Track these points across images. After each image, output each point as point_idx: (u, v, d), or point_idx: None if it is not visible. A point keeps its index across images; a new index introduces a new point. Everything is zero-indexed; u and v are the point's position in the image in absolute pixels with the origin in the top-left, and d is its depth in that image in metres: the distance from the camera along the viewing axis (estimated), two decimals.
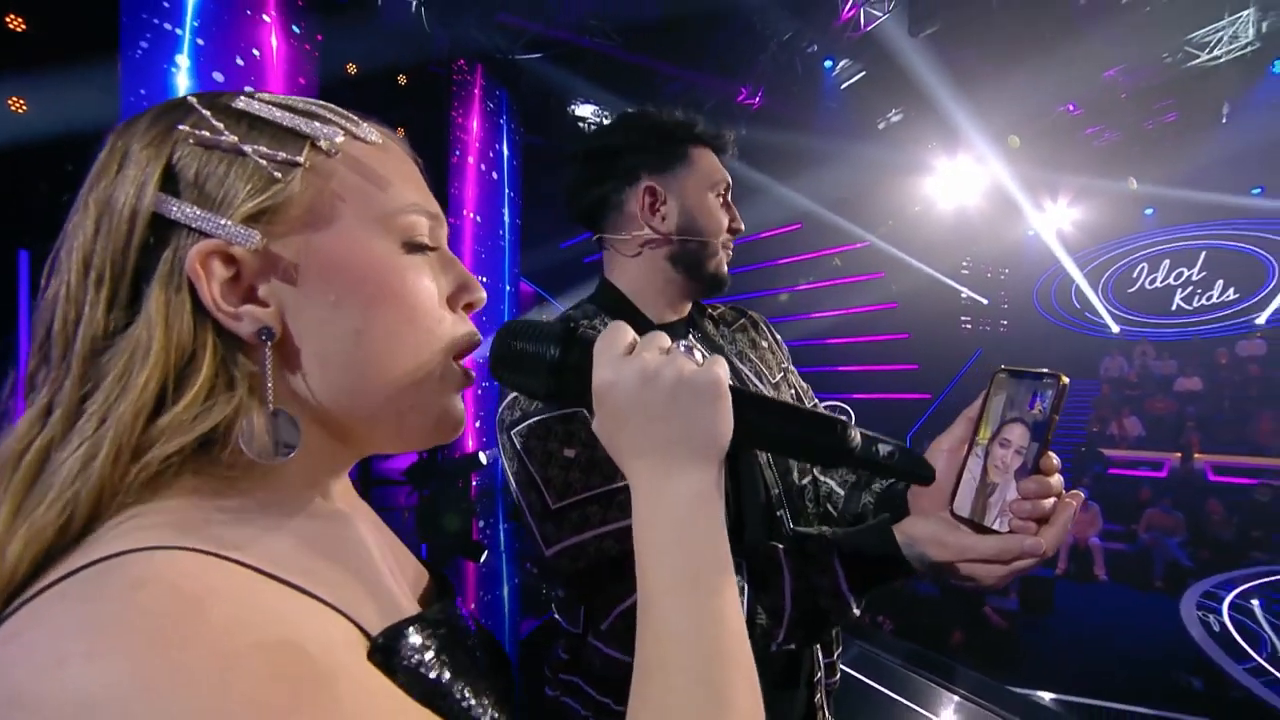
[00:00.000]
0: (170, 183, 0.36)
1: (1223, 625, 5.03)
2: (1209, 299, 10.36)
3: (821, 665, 0.94)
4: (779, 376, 1.04)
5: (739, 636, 0.39)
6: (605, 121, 10.21)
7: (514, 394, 0.83)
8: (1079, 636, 5.13)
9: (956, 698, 2.94)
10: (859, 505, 0.92)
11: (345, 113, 0.41)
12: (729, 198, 1.00)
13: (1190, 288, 10.57)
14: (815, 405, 1.08)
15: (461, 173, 7.36)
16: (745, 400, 0.45)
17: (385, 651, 0.36)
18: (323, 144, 0.38)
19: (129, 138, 0.37)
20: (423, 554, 0.54)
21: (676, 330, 0.98)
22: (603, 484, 0.77)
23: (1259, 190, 9.68)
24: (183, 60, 4.78)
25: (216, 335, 0.36)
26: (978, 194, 9.70)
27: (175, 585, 0.27)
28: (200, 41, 4.80)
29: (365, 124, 0.42)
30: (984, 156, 8.71)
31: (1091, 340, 11.11)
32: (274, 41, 5.28)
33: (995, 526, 0.62)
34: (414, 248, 0.41)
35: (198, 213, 0.35)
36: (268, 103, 0.39)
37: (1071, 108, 8.90)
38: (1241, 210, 9.77)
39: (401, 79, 6.97)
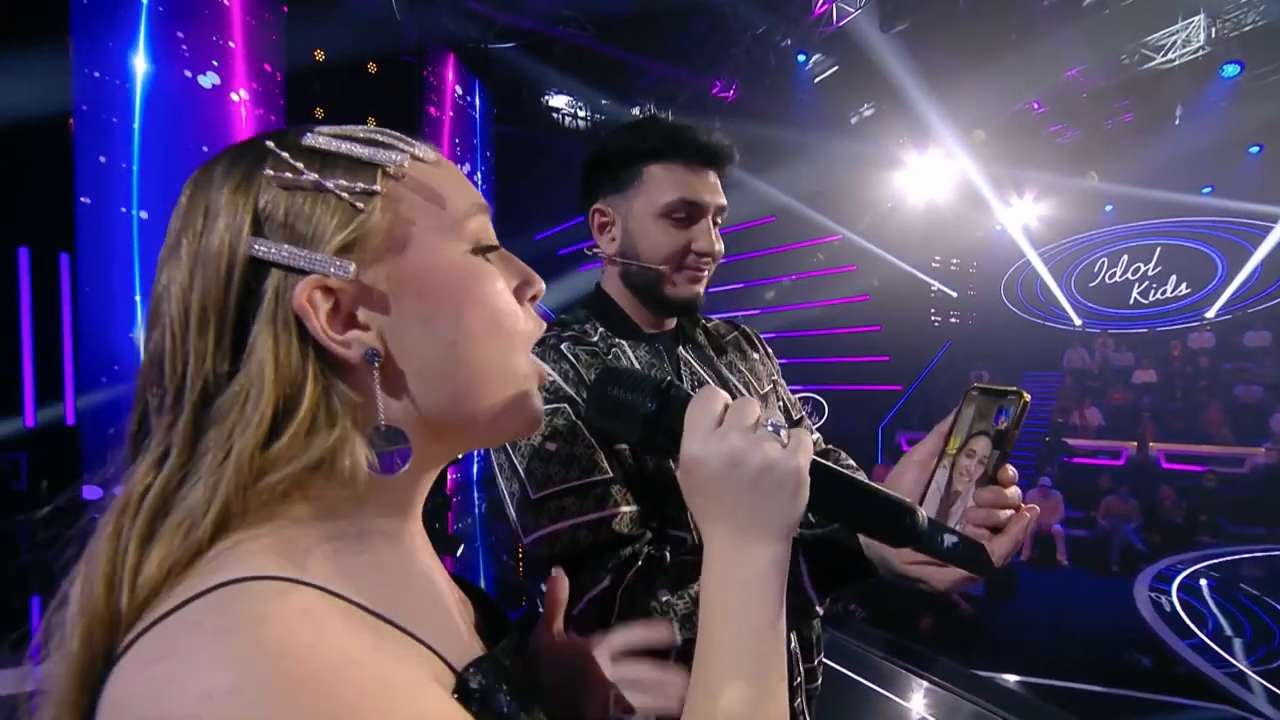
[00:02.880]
0: (260, 225, 0.38)
1: (1171, 606, 5.29)
2: (1163, 293, 10.79)
3: (802, 670, 0.96)
4: (768, 388, 1.07)
5: (782, 708, 0.44)
6: (579, 113, 10.17)
7: None
8: (1040, 620, 5.32)
9: (924, 682, 3.06)
10: None
11: (401, 136, 0.43)
12: (706, 217, 0.93)
13: (1147, 282, 10.99)
14: (802, 418, 1.13)
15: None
16: (828, 478, 0.47)
17: (464, 689, 0.38)
18: (392, 170, 0.40)
19: (208, 188, 0.39)
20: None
21: (666, 341, 0.99)
22: (580, 477, 0.80)
23: (1209, 189, 10.11)
24: (139, 46, 4.63)
25: (317, 367, 0.38)
26: (947, 189, 9.92)
27: (292, 627, 0.30)
28: (158, 30, 4.65)
29: (418, 143, 0.44)
30: (953, 152, 8.92)
31: (1056, 332, 11.44)
32: (237, 28, 5.14)
33: None
34: (482, 250, 0.44)
35: (293, 251, 0.37)
36: (333, 135, 0.41)
37: (1035, 105, 9.17)
38: (1194, 208, 10.17)
39: (371, 67, 6.84)
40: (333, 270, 0.37)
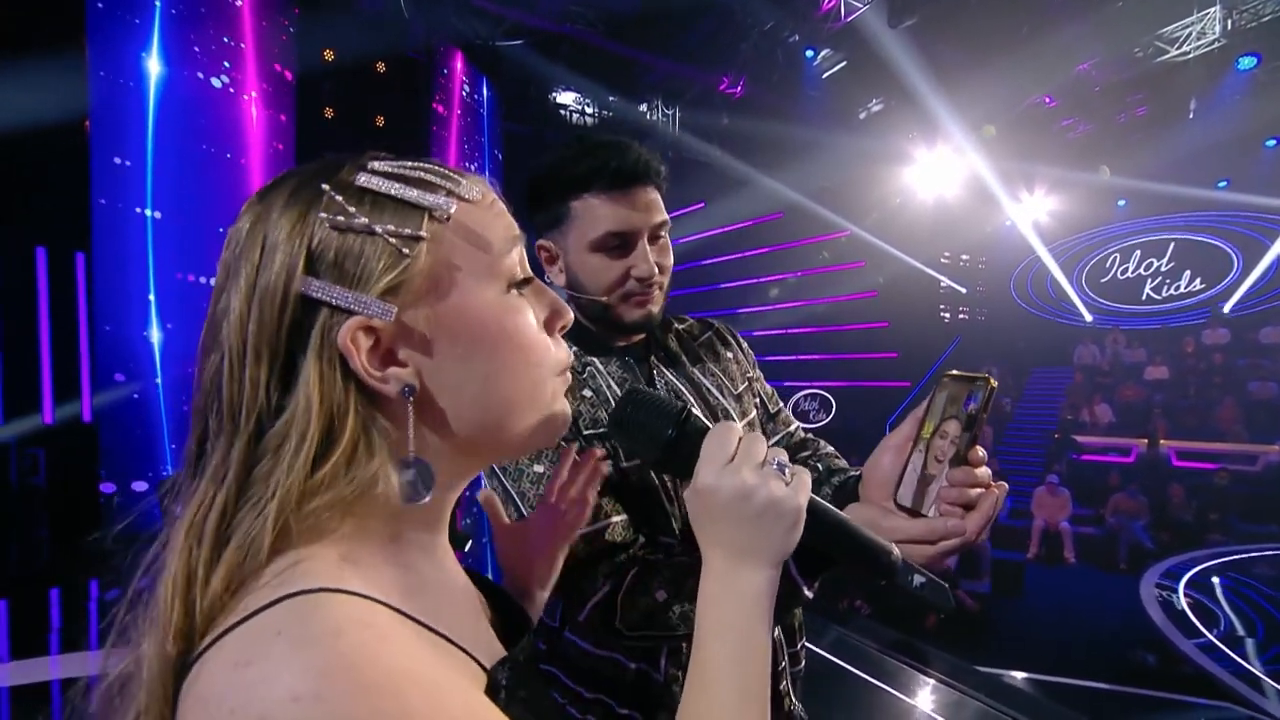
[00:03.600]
0: (312, 264, 0.40)
1: (1178, 604, 5.27)
2: (1177, 289, 10.65)
3: (785, 654, 1.00)
4: (742, 387, 1.07)
5: (763, 706, 0.50)
6: (587, 110, 10.17)
7: None
8: (1046, 617, 5.33)
9: (930, 679, 3.07)
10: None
11: (448, 172, 0.45)
12: (640, 241, 0.91)
13: (1160, 278, 10.85)
14: (780, 409, 1.14)
15: (442, 161, 7.30)
16: (820, 517, 0.53)
17: (494, 686, 0.43)
18: (438, 214, 0.43)
19: (267, 220, 0.42)
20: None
21: (637, 353, 1.00)
22: None
23: (1224, 183, 9.97)
24: (153, 49, 4.69)
25: (358, 400, 0.41)
26: (956, 184, 9.84)
27: (361, 640, 0.35)
28: (170, 32, 4.71)
29: (464, 180, 0.45)
30: (962, 147, 8.85)
31: (1066, 329, 11.33)
32: (248, 29, 5.20)
33: (928, 513, 0.69)
34: (517, 284, 0.47)
35: (341, 292, 0.40)
36: (384, 174, 0.43)
37: (1047, 100, 9.08)
38: (1208, 203, 10.04)
39: (380, 66, 6.89)
40: (376, 313, 0.40)
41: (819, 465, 1.04)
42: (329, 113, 6.42)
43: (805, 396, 8.85)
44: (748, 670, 0.49)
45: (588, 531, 0.82)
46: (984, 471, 0.68)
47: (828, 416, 8.63)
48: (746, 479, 0.49)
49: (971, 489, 0.67)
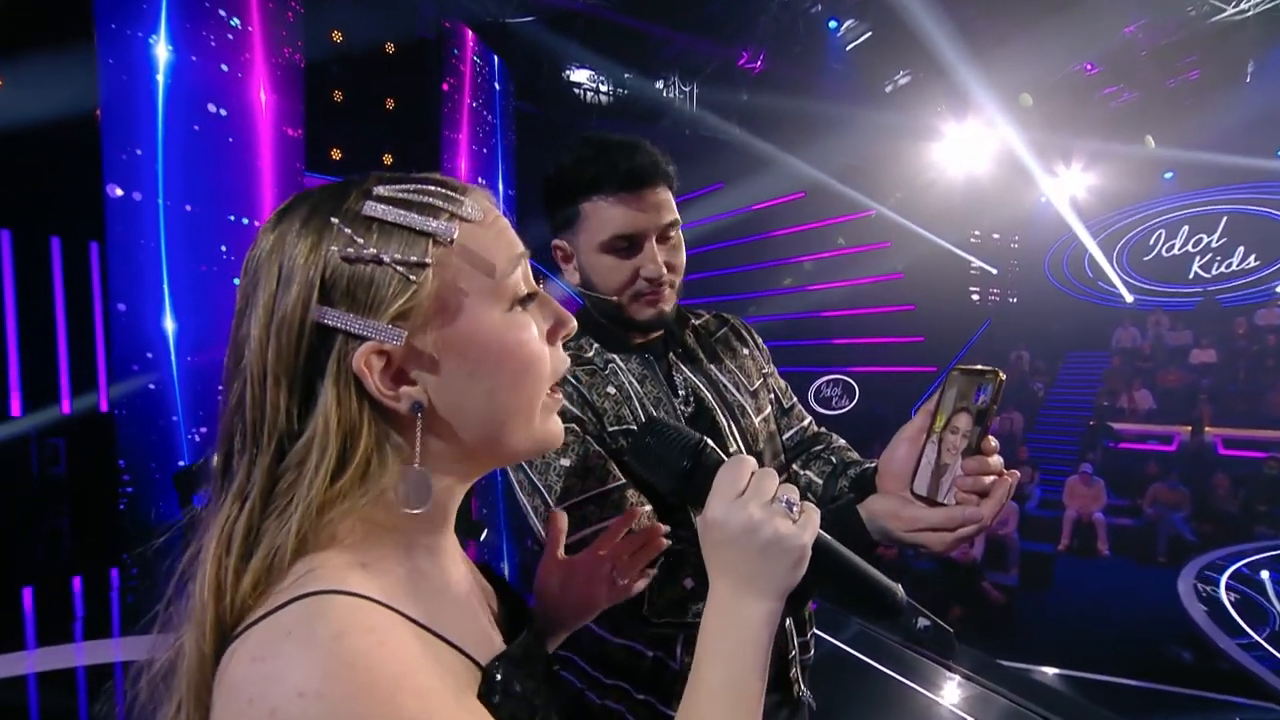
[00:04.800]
0: (326, 294, 0.44)
1: (1219, 599, 5.15)
2: (1228, 266, 10.29)
3: (796, 643, 1.04)
4: (758, 383, 1.11)
5: None
6: (601, 88, 10.07)
7: None
8: (1077, 611, 5.25)
9: (953, 675, 3.05)
10: (835, 490, 1.01)
11: (452, 193, 0.48)
12: (648, 241, 0.95)
13: (1209, 255, 10.48)
14: (794, 403, 1.16)
15: (453, 145, 7.30)
16: (829, 555, 0.56)
17: (489, 684, 0.47)
18: (442, 239, 0.46)
19: (283, 248, 0.45)
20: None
21: (657, 350, 1.04)
22: (597, 486, 0.89)
23: None
24: (160, 34, 4.74)
25: (372, 417, 0.46)
26: (988, 160, 9.59)
27: (362, 643, 0.39)
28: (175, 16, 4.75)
29: (467, 199, 0.48)
30: (994, 120, 8.60)
31: (1104, 310, 11.06)
32: (253, 11, 5.21)
33: (944, 501, 0.74)
34: (520, 302, 0.50)
35: (354, 320, 0.44)
36: (389, 200, 0.46)
37: (1088, 67, 8.75)
38: (1266, 173, 9.61)
39: (389, 47, 6.87)
40: (388, 338, 0.44)
41: (832, 458, 1.07)
42: (338, 96, 6.44)
43: (828, 382, 8.76)
44: (741, 693, 0.52)
45: (572, 541, 0.85)
46: (997, 460, 0.72)
47: (851, 402, 8.54)
48: (754, 514, 0.52)
49: (986, 477, 0.71)
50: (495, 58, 7.94)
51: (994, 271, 11.94)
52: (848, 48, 8.77)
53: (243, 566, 0.43)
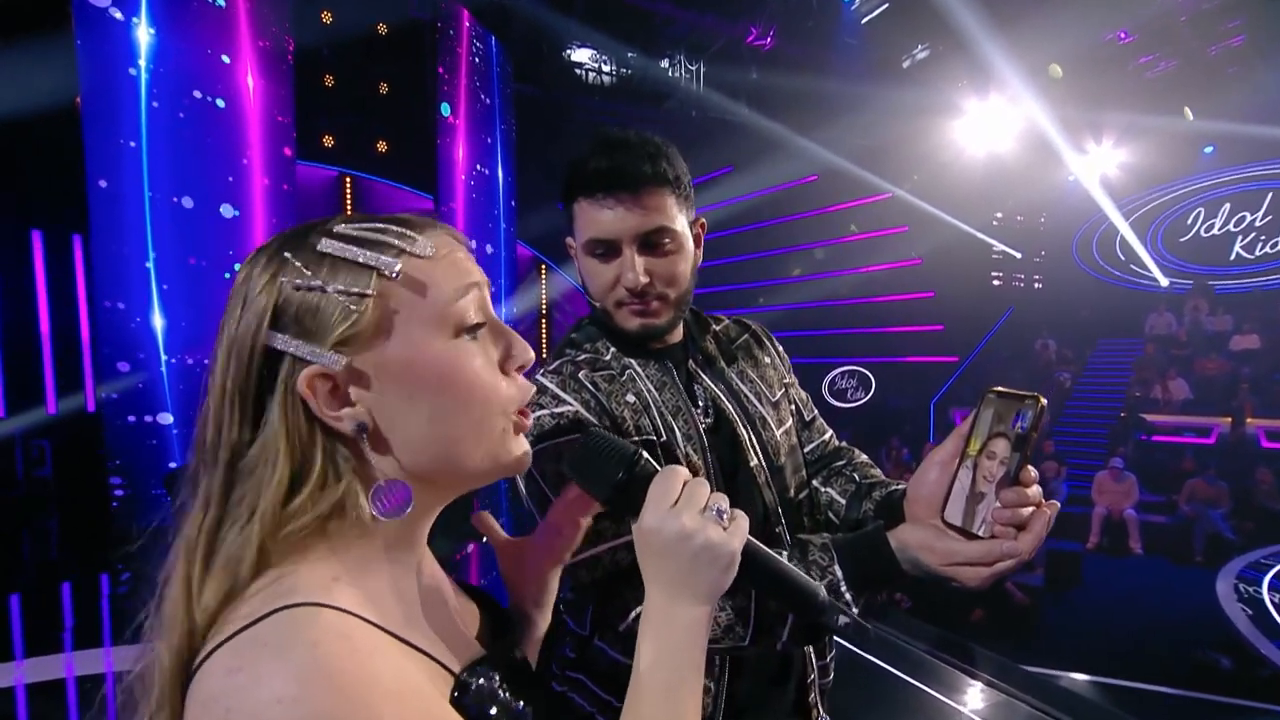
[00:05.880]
0: (278, 320, 0.49)
1: (1262, 601, 5.02)
2: (1274, 246, 9.99)
3: (815, 667, 1.04)
4: (779, 394, 1.10)
5: None
6: (604, 69, 9.96)
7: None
8: (1107, 613, 5.15)
9: (974, 681, 2.99)
10: (859, 512, 1.00)
11: (407, 231, 0.53)
12: (626, 249, 0.93)
13: (1253, 234, 10.17)
14: (815, 416, 1.16)
15: (450, 130, 7.22)
16: (755, 560, 0.60)
17: (462, 690, 0.51)
18: (386, 272, 0.50)
19: (249, 280, 0.51)
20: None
21: (676, 356, 1.03)
22: None
23: None
24: (141, 14, 4.69)
25: (324, 435, 0.50)
26: (1012, 137, 9.38)
27: (335, 650, 0.42)
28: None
29: (421, 238, 0.53)
30: (1019, 95, 8.39)
31: (1136, 295, 10.82)
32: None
33: (980, 532, 0.73)
34: (466, 330, 0.53)
35: (299, 345, 0.49)
36: (341, 238, 0.51)
37: (1122, 35, 8.50)
38: None
39: (381, 28, 6.81)
40: (327, 362, 0.48)
41: (855, 475, 1.07)
42: (329, 80, 6.38)
43: (843, 374, 8.67)
44: (678, 695, 0.56)
45: (584, 558, 0.86)
46: (1036, 491, 0.72)
47: (866, 394, 8.45)
48: (686, 523, 0.55)
49: (1024, 509, 0.71)
50: (492, 38, 7.84)
51: (1018, 256, 11.74)
52: (863, 21, 8.60)
53: (206, 575, 0.47)
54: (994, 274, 11.71)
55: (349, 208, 7.19)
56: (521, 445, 0.57)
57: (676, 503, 0.57)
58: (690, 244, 0.98)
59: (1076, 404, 9.60)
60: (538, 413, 0.92)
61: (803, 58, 8.77)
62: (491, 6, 7.85)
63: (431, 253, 0.52)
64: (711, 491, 0.58)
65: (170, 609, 0.47)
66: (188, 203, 4.97)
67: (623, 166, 0.90)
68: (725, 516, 0.57)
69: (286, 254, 0.50)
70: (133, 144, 4.68)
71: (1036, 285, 12.02)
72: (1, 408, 4.50)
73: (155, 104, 4.76)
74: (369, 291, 0.50)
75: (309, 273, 0.49)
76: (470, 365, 0.53)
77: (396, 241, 0.52)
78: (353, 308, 0.49)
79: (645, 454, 0.60)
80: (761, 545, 0.61)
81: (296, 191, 5.62)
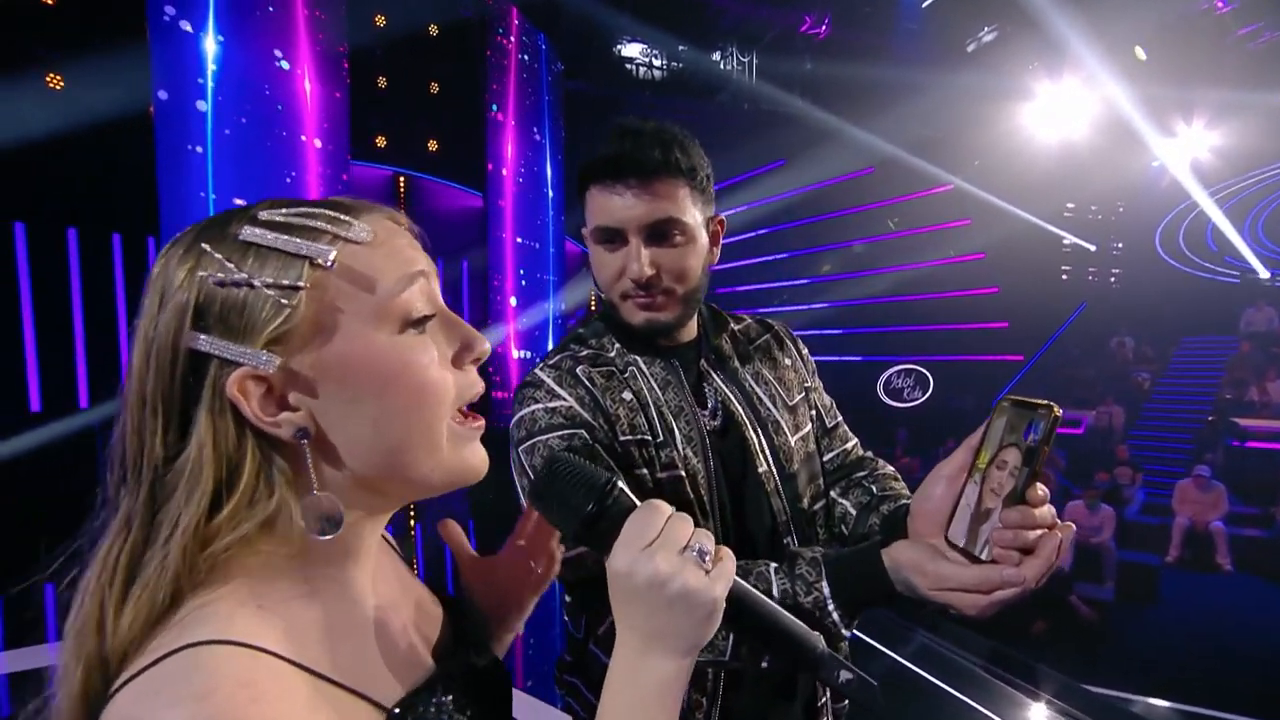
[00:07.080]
0: (200, 319, 0.45)
1: None
2: None
3: (827, 693, 1.01)
4: (799, 397, 1.06)
5: None
6: (654, 63, 9.94)
7: (521, 413, 0.92)
8: (1185, 633, 4.81)
9: (1034, 700, 2.85)
10: (866, 526, 0.96)
11: (339, 214, 0.49)
12: (632, 239, 0.91)
13: None
14: (838, 422, 1.11)
15: (499, 127, 7.35)
16: (744, 607, 0.54)
17: None
18: (320, 261, 0.46)
19: (166, 272, 0.46)
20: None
21: (686, 355, 1.00)
22: None
23: None
24: (209, 30, 4.97)
25: (255, 444, 0.46)
26: (1087, 122, 8.86)
27: (231, 700, 0.38)
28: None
29: (357, 222, 0.48)
30: (1096, 76, 7.89)
31: (1231, 289, 10.16)
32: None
33: (982, 555, 0.67)
34: (413, 324, 0.49)
35: (226, 345, 0.44)
36: (266, 225, 0.47)
37: (1219, 4, 7.85)
38: None
39: (433, 29, 6.98)
40: (260, 363, 0.44)
41: (873, 487, 1.02)
42: (382, 82, 6.59)
43: (899, 372, 8.39)
44: None
45: (568, 557, 0.82)
46: (1044, 512, 0.64)
47: (925, 394, 8.14)
48: (660, 566, 0.49)
49: (1030, 531, 0.64)
50: (542, 35, 7.93)
51: (1091, 249, 11.16)
52: (923, 5, 8.30)
53: (124, 598, 0.44)
54: (1064, 268, 11.20)
55: (403, 207, 7.42)
56: (478, 452, 0.53)
57: (653, 542, 0.51)
58: (703, 239, 0.95)
59: (1156, 406, 9.08)
60: (531, 407, 0.90)
61: (859, 45, 8.54)
62: (541, 4, 7.94)
63: (369, 238, 0.48)
64: (695, 527, 0.52)
65: (81, 633, 0.44)
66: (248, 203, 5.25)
67: (633, 153, 0.89)
68: (709, 558, 0.51)
69: (204, 245, 0.46)
70: (199, 149, 4.97)
71: (1112, 280, 11.43)
72: (85, 399, 4.86)
73: (219, 110, 5.04)
74: (301, 284, 0.45)
75: (231, 265, 0.45)
76: (417, 362, 0.49)
77: (329, 227, 0.47)
78: (284, 302, 0.45)
79: (622, 485, 0.54)
80: (751, 589, 0.55)
81: (353, 191, 5.84)
